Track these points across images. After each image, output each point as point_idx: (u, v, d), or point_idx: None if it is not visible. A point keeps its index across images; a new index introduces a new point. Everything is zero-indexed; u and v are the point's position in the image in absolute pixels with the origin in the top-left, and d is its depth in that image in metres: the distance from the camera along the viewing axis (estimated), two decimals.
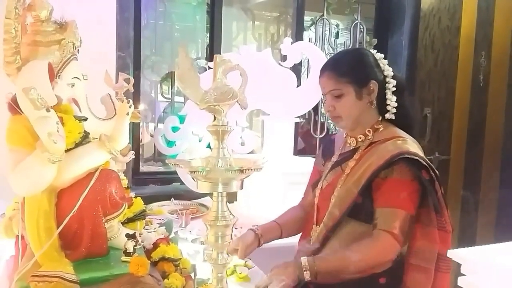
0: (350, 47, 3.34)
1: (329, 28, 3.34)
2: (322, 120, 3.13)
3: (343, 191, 1.47)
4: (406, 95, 1.56)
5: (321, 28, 3.30)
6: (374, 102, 1.50)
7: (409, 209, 1.39)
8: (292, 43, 2.54)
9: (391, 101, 1.50)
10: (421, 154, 1.44)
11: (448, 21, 3.11)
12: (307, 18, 3.43)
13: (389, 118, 1.52)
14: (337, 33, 3.47)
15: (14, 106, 1.14)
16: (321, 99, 1.80)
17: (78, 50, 1.30)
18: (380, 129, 1.52)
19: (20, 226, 1.17)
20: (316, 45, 3.18)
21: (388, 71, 1.52)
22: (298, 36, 3.13)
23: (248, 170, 0.97)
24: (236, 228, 2.08)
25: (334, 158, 1.61)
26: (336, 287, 1.42)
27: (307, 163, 2.51)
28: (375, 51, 1.59)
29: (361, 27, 3.34)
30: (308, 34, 3.63)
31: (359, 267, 1.38)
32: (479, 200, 3.18)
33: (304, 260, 1.35)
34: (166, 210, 2.31)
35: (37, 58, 1.20)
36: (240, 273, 1.56)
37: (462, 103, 3.19)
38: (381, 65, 1.53)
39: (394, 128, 1.53)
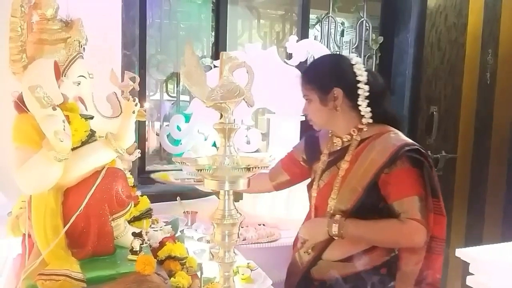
0: (355, 45, 3.33)
1: (335, 26, 3.33)
2: None
3: (347, 191, 1.50)
4: (387, 99, 1.60)
5: (326, 26, 3.30)
6: (339, 108, 1.54)
7: (420, 192, 1.45)
8: (297, 41, 2.53)
9: (363, 106, 1.53)
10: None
11: (455, 19, 3.09)
12: (312, 16, 3.41)
13: (367, 123, 1.55)
14: (342, 31, 3.45)
15: (20, 105, 1.14)
16: None
17: (84, 48, 1.29)
18: (364, 129, 1.55)
19: (27, 224, 1.17)
20: (322, 43, 3.17)
21: (362, 77, 1.53)
22: (303, 34, 3.13)
23: (255, 168, 0.96)
24: (242, 227, 2.08)
25: (325, 158, 1.63)
26: (340, 282, 1.48)
27: None
28: (355, 55, 1.62)
29: (367, 25, 3.32)
30: (313, 32, 3.61)
31: (383, 242, 1.51)
32: (486, 198, 3.15)
33: (338, 216, 1.48)
34: (172, 178, 2.25)
35: (43, 57, 1.20)
36: (243, 275, 1.55)
37: (468, 101, 3.16)
38: (355, 71, 1.54)
39: (380, 124, 1.56)
